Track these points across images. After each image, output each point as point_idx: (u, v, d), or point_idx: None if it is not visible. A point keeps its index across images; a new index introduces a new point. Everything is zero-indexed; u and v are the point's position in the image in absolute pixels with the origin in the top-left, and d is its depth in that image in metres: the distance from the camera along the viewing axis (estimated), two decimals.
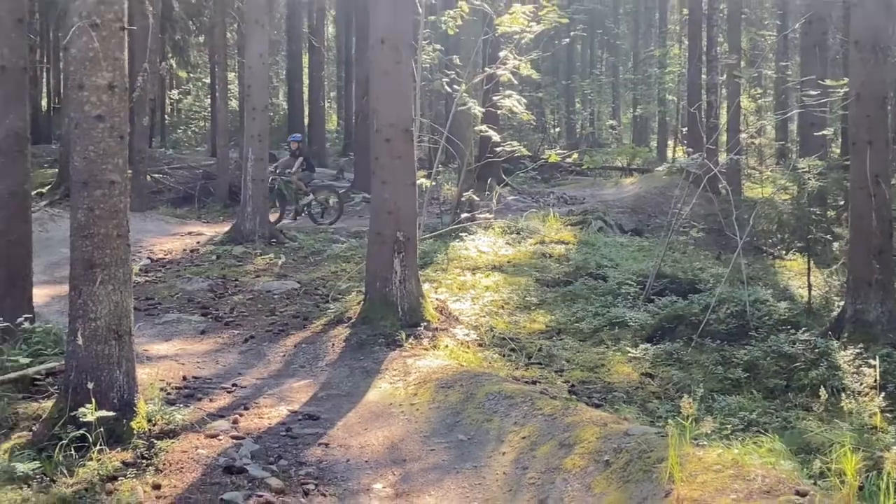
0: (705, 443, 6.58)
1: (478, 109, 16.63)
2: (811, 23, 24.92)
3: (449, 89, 16.30)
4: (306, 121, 37.05)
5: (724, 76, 26.41)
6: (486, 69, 17.58)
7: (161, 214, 22.02)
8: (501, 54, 17.01)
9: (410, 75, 11.66)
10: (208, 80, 40.58)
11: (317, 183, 21.67)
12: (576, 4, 21.46)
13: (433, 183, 16.69)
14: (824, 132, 19.25)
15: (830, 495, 5.26)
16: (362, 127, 25.36)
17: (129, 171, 8.22)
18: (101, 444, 6.94)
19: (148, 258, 16.88)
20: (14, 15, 10.60)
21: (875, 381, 9.02)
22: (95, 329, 7.45)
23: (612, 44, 41.22)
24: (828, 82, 14.03)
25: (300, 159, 21.31)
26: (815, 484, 5.86)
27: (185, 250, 17.97)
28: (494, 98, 17.14)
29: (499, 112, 17.71)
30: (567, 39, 27.79)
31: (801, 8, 29.86)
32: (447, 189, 21.48)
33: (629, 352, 10.73)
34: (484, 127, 17.40)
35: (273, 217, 19.80)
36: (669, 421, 7.05)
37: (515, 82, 16.56)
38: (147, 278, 14.91)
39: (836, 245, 16.50)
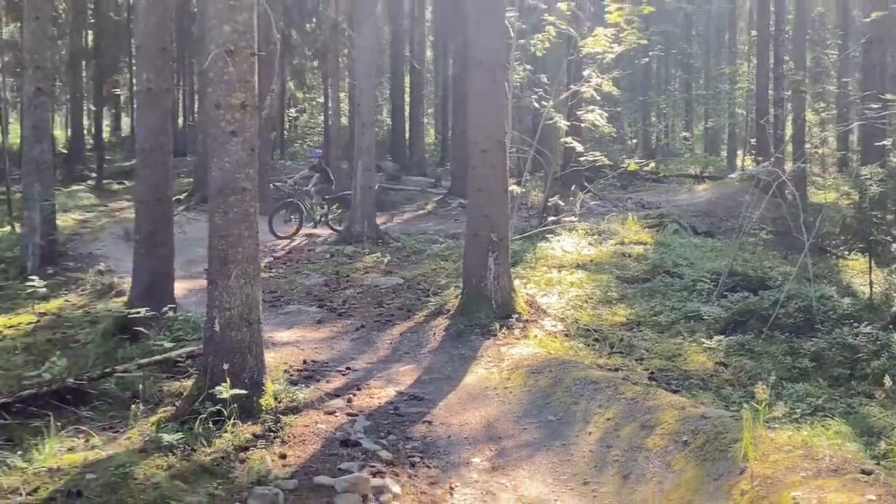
0: (776, 426, 6.47)
1: (563, 123, 16.52)
2: (871, 43, 24.33)
3: (537, 105, 16.24)
4: (407, 135, 37.25)
5: (790, 91, 25.84)
6: (571, 86, 17.50)
7: (282, 218, 22.34)
8: (585, 73, 16.92)
9: (503, 93, 11.65)
10: (322, 100, 41.27)
11: (333, 194, 21.37)
12: (653, 27, 21.18)
13: (522, 189, 16.65)
14: (884, 142, 18.72)
15: (893, 474, 5.14)
16: (459, 140, 25.42)
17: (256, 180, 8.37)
18: (234, 419, 7.10)
19: (272, 256, 17.16)
20: (158, 45, 10.91)
21: None
22: (230, 318, 7.62)
23: (685, 62, 40.54)
24: (888, 97, 13.70)
25: (316, 175, 21.15)
26: (878, 464, 5.71)
27: (302, 250, 18.24)
28: (578, 113, 17.03)
29: (582, 125, 17.57)
30: (645, 59, 27.47)
31: (861, 29, 29.16)
32: (535, 195, 21.38)
33: (704, 343, 10.58)
34: (569, 139, 17.29)
35: (292, 229, 19.79)
36: (743, 405, 6.92)
37: (598, 98, 16.39)
38: (271, 274, 15.15)
39: (894, 246, 16.05)
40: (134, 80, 22.65)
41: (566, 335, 10.75)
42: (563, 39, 16.64)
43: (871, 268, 14.00)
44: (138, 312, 9.87)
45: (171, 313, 10.40)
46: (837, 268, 16.87)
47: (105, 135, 37.79)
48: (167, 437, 6.66)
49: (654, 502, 6.07)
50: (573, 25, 16.07)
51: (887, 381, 7.34)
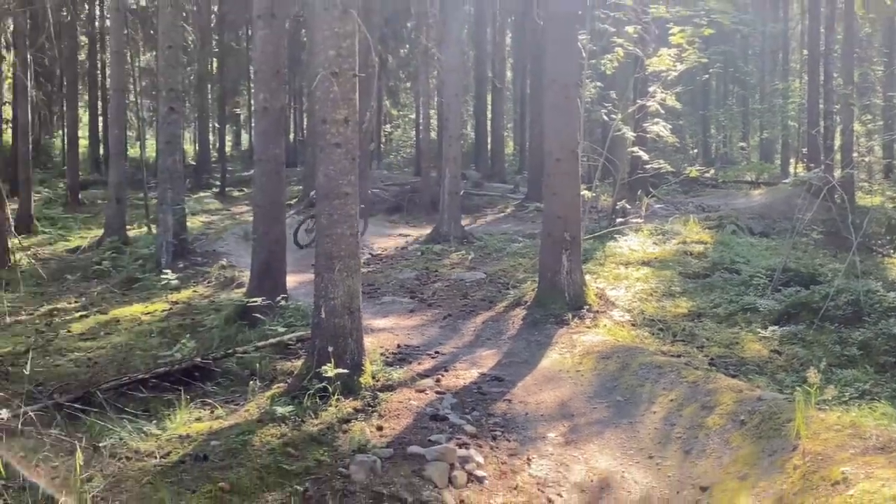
0: (826, 407, 6.28)
1: (630, 134, 16.29)
2: None
3: (606, 118, 16.04)
4: (489, 147, 37.25)
5: (839, 105, 25.10)
6: (638, 101, 17.22)
7: (378, 220, 22.55)
8: (650, 89, 16.64)
9: (576, 108, 11.54)
10: (414, 116, 41.68)
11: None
12: (713, 48, 20.71)
13: (593, 194, 16.43)
14: None
15: None
16: (535, 150, 25.27)
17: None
18: (337, 395, 7.21)
19: (369, 253, 17.33)
20: (273, 69, 11.11)
21: None
22: (334, 307, 7.73)
23: (741, 79, 39.67)
24: None
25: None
26: None
27: (396, 248, 18.36)
28: (644, 125, 16.77)
29: (647, 136, 17.28)
30: (705, 76, 26.88)
31: None
32: (604, 199, 21.11)
33: (759, 332, 10.31)
34: (635, 149, 17.06)
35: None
36: (796, 389, 6.76)
37: (662, 112, 16.09)
38: (368, 269, 15.31)
39: None
40: (252, 101, 23.11)
41: (633, 325, 10.61)
42: (630, 59, 16.37)
43: None
44: (255, 301, 10.09)
45: (283, 302, 10.60)
46: (883, 265, 16.30)
47: (227, 148, 38.66)
48: (280, 410, 6.80)
49: (714, 475, 5.96)
50: (639, 46, 15.80)
51: None
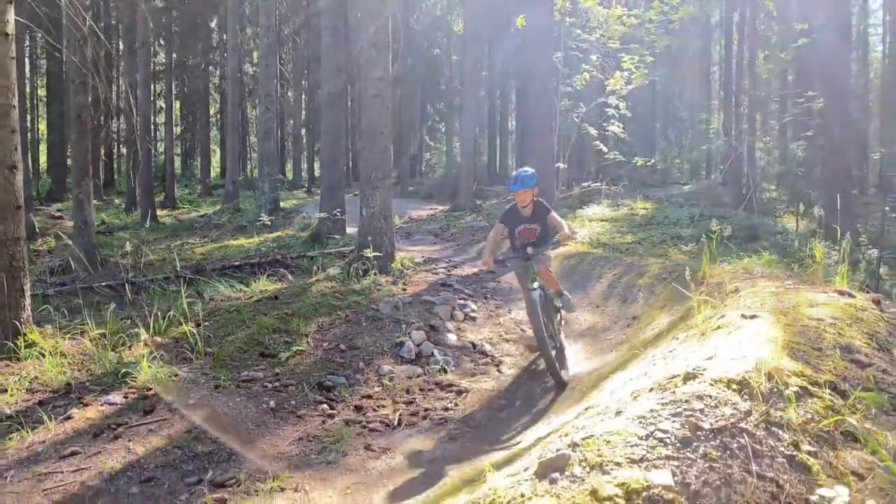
0: (724, 263, 6.06)
1: (593, 131, 15.99)
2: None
3: (577, 121, 15.76)
4: (497, 161, 36.86)
5: (746, 125, 24.52)
6: (599, 99, 16.92)
7: (416, 202, 22.41)
8: (607, 99, 16.37)
9: (551, 130, 11.73)
10: (444, 148, 41.43)
11: None
12: (658, 71, 20.32)
13: (564, 166, 16.09)
14: None
15: (805, 273, 4.74)
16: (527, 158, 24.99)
17: (395, 175, 8.31)
18: (374, 271, 7.08)
19: (408, 217, 17.19)
20: (334, 65, 10.98)
21: None
22: (373, 213, 7.59)
23: (676, 115, 38.97)
24: None
25: None
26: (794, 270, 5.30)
27: (427, 215, 18.18)
28: (604, 125, 16.45)
29: (606, 133, 16.95)
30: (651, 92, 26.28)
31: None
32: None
33: (682, 247, 10.04)
34: (597, 142, 16.73)
35: None
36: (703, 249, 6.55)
37: (617, 116, 15.76)
38: (406, 224, 15.20)
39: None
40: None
41: (591, 245, 10.38)
42: (595, 80, 16.10)
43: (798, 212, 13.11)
44: (322, 228, 10.00)
45: (339, 235, 10.52)
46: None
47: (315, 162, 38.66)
48: (333, 272, 6.72)
49: (642, 311, 5.77)
50: (600, 71, 15.54)
51: None
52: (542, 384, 4.67)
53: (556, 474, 2.02)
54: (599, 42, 15.04)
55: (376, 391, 4.48)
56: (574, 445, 2.14)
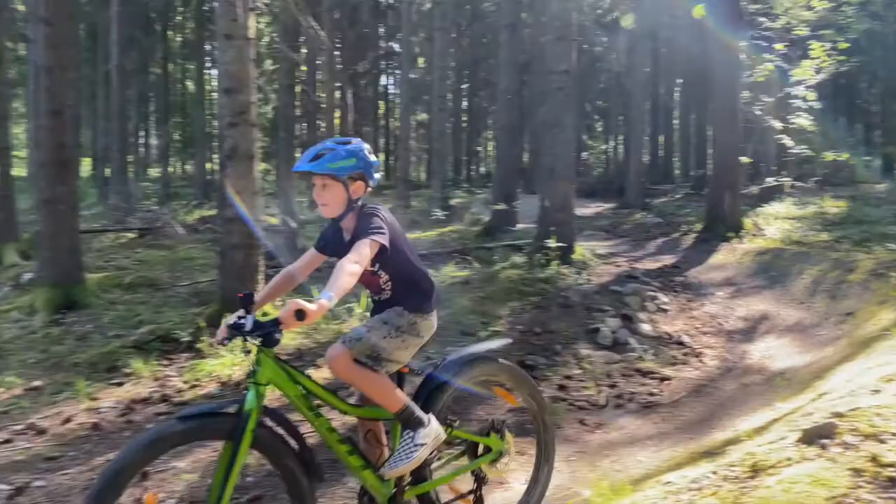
0: None
1: (777, 125, 14.89)
2: None
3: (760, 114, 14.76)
4: (662, 162, 35.35)
5: None
6: (784, 90, 15.72)
7: (578, 200, 22.04)
8: (792, 90, 15.16)
9: (738, 128, 10.79)
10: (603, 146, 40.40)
11: None
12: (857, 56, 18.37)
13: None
14: None
15: None
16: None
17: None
18: (556, 261, 7.17)
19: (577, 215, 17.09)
20: (512, 69, 11.18)
21: None
22: (555, 204, 7.70)
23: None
24: None
25: None
26: None
27: (593, 213, 17.94)
28: (788, 118, 15.27)
29: (791, 126, 15.71)
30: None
31: None
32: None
33: (890, 247, 9.10)
34: (782, 136, 15.55)
35: None
36: None
37: (804, 107, 14.56)
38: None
39: None
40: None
41: (783, 242, 9.72)
42: (778, 69, 15.01)
43: None
44: (495, 221, 10.25)
45: (512, 228, 10.71)
46: None
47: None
48: (517, 260, 6.90)
49: (856, 306, 5.36)
50: (785, 60, 14.45)
51: None
52: (750, 376, 4.52)
53: (826, 440, 2.00)
54: (784, 29, 14.04)
55: (576, 373, 4.57)
56: (840, 415, 2.10)
